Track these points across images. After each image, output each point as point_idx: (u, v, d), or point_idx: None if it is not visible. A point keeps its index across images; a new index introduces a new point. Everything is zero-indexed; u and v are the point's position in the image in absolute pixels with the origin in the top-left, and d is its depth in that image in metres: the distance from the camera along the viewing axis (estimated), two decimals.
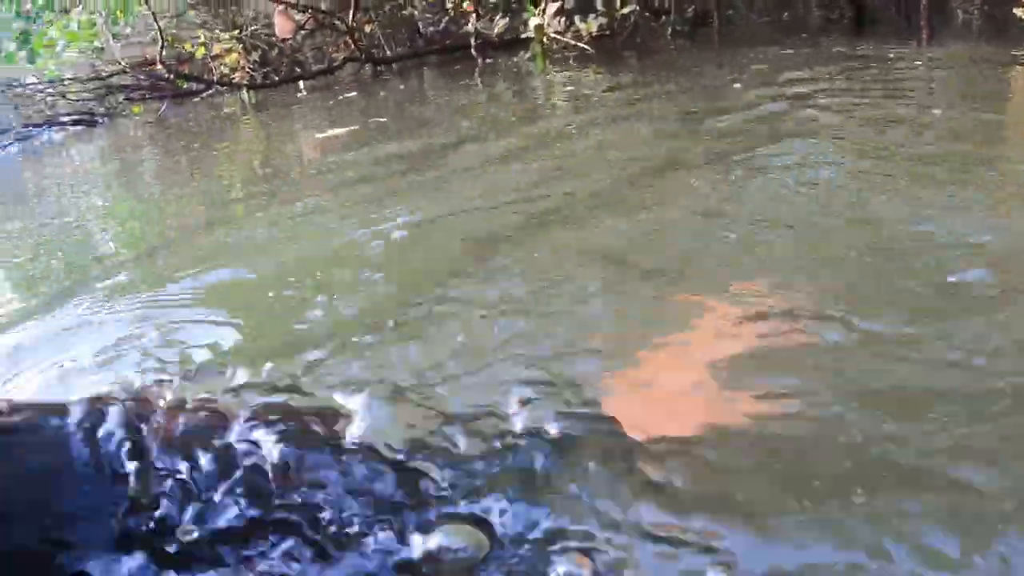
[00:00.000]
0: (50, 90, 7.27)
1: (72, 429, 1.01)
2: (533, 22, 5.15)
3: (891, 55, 3.45)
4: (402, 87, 5.35)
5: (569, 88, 4.00)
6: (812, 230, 1.47)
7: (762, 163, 1.97)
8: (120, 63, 6.60)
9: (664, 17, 5.30)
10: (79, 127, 7.25)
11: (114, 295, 1.83)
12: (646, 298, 1.29)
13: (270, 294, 1.60)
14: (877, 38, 4.07)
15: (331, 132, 3.94)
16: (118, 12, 7.16)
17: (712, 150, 2.22)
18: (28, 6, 7.24)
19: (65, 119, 7.15)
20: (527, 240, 1.65)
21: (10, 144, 7.24)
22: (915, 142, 2.03)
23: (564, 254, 1.54)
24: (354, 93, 5.40)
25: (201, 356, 1.31)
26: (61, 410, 1.03)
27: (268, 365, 1.22)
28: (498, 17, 5.51)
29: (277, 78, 6.22)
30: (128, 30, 7.07)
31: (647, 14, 5.32)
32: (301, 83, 6.11)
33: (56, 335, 1.59)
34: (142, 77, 6.70)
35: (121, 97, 6.94)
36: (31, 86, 7.39)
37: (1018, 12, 3.85)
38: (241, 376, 1.20)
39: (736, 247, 1.45)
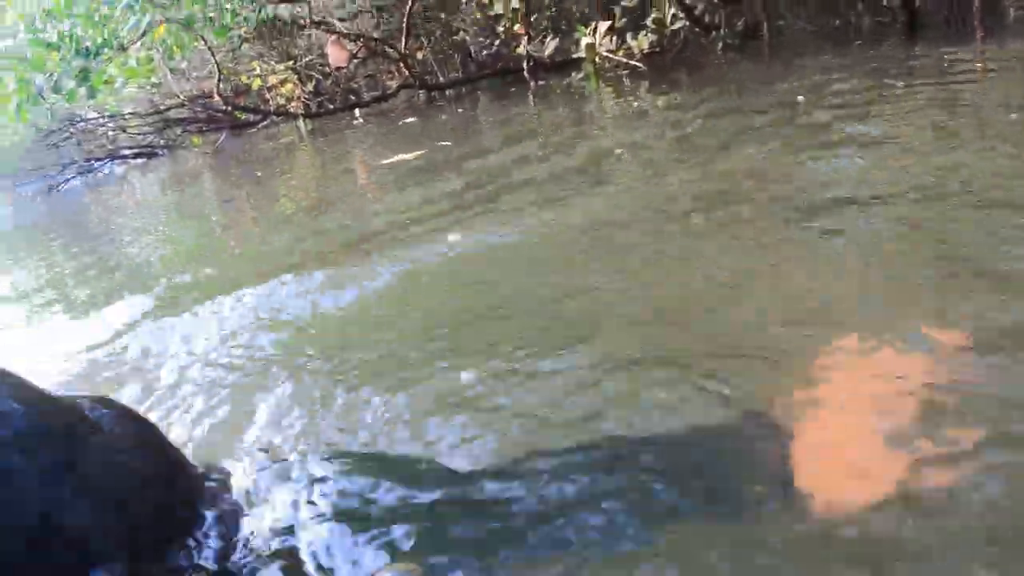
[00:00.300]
0: (111, 125, 7.51)
1: None
2: (585, 42, 5.22)
3: (948, 56, 3.45)
4: (460, 110, 5.44)
5: (636, 105, 4.05)
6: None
7: (832, 156, 2.02)
8: (178, 96, 6.82)
9: (714, 32, 5.32)
10: (140, 159, 7.49)
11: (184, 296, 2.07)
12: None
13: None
14: (932, 41, 4.05)
15: (396, 157, 4.00)
16: (175, 47, 7.37)
17: (776, 149, 2.27)
18: (88, 43, 7.49)
19: (126, 152, 7.39)
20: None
21: (73, 178, 7.49)
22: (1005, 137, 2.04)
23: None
24: (413, 119, 5.51)
25: None
26: None
27: None
28: (548, 39, 5.59)
29: (332, 106, 6.38)
30: (184, 64, 7.28)
31: (697, 30, 5.35)
32: (356, 111, 6.25)
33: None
34: (199, 110, 6.91)
35: (179, 130, 7.16)
36: (92, 121, 7.65)
37: None
38: None
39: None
